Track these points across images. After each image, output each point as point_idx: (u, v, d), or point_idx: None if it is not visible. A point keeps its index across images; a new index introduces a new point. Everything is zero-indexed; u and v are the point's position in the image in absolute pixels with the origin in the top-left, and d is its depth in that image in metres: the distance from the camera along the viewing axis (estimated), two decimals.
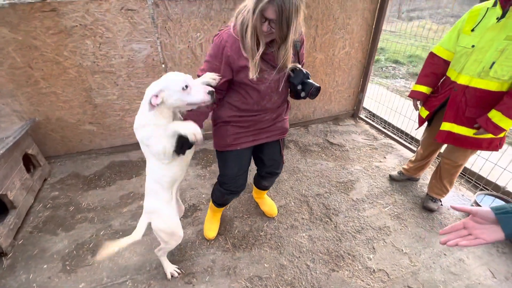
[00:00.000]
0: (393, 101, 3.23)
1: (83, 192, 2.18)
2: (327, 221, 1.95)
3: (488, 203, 1.96)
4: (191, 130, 1.05)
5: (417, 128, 2.04)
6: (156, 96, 1.02)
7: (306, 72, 1.22)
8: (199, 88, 1.06)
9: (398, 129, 3.04)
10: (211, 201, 1.76)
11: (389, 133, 3.03)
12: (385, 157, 2.68)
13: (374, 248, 1.75)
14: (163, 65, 2.34)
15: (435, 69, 1.75)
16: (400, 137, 2.93)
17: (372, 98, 3.51)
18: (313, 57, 2.77)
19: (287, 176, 2.41)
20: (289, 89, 1.33)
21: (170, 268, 1.53)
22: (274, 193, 2.21)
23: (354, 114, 3.44)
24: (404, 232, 1.86)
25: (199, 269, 1.61)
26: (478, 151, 1.96)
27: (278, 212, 2.02)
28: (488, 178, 2.16)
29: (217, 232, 1.81)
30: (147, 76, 2.35)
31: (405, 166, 2.29)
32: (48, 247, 1.71)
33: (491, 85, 1.45)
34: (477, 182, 2.24)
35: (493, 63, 1.40)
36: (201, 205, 2.07)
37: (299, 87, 1.22)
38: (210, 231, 1.79)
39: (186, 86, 1.04)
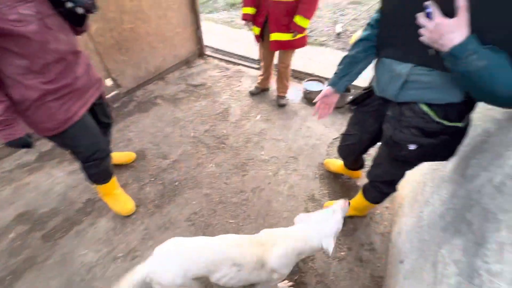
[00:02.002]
0: (225, 32, 3.60)
1: None
2: (223, 146, 2.28)
3: (312, 85, 2.84)
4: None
5: (257, 45, 2.50)
6: None
7: None
8: None
9: (241, 56, 3.53)
10: (96, 186, 1.62)
11: (235, 61, 3.49)
12: (240, 81, 3.16)
13: (262, 147, 2.27)
14: None
15: None
16: (245, 61, 3.45)
17: (208, 33, 3.74)
18: (138, 1, 2.53)
19: (171, 128, 2.45)
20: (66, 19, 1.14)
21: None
22: (168, 147, 2.24)
23: (201, 53, 3.62)
24: (274, 127, 2.48)
25: (137, 242, 1.60)
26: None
27: (182, 159, 2.13)
28: (305, 71, 3.08)
29: (133, 203, 1.75)
30: None
31: (258, 81, 2.84)
32: None
33: None
34: (299, 75, 3.15)
35: None
36: (96, 195, 1.85)
37: (69, 4, 1.05)
38: (125, 204, 1.71)
39: None
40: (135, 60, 2.77)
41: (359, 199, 1.57)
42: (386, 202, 1.82)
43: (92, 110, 1.45)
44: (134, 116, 2.60)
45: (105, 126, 1.64)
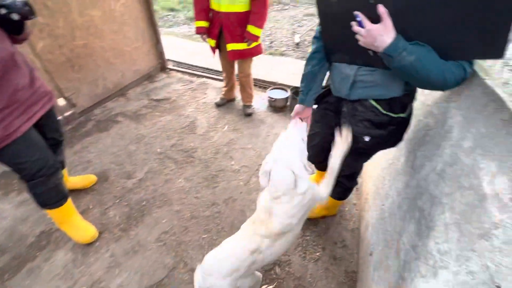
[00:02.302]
0: (187, 46, 3.59)
1: None
2: (191, 160, 2.23)
3: (276, 93, 2.91)
4: None
5: (214, 57, 2.52)
6: None
7: None
8: None
9: (204, 68, 3.53)
10: (48, 210, 1.47)
11: (199, 73, 3.47)
12: (205, 93, 3.14)
13: (231, 157, 2.27)
14: None
15: (202, 6, 2.14)
16: (209, 73, 3.45)
17: (170, 48, 3.69)
18: (89, 16, 2.42)
19: (134, 146, 2.34)
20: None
21: None
22: (133, 166, 2.13)
23: (163, 67, 3.55)
24: (243, 136, 2.50)
25: (102, 272, 1.47)
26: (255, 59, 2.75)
27: (149, 177, 2.04)
28: (268, 80, 3.17)
29: (95, 229, 1.62)
30: None
31: (223, 92, 2.86)
32: None
33: (241, 8, 2.03)
34: (262, 84, 3.23)
35: None
36: (52, 225, 1.68)
37: (2, 10, 1.01)
38: (86, 231, 1.58)
39: None
40: (91, 77, 2.63)
41: None
42: (354, 199, 1.92)
43: (40, 125, 1.34)
44: (93, 136, 2.44)
45: (55, 143, 1.51)
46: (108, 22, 2.62)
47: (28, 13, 1.08)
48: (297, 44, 4.44)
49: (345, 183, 1.44)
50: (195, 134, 2.50)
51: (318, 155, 1.66)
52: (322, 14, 1.01)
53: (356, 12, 0.82)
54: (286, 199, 1.00)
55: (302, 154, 1.06)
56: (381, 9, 0.77)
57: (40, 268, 1.48)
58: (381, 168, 1.61)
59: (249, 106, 2.76)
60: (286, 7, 6.46)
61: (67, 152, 2.15)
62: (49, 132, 1.45)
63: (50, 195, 1.41)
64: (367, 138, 1.13)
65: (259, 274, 1.23)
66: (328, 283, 1.47)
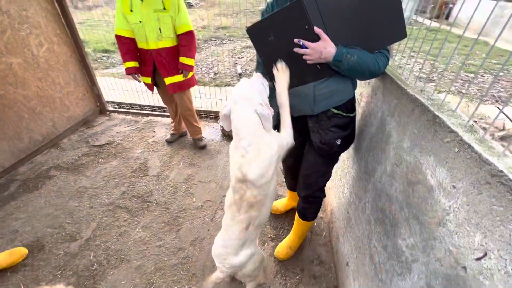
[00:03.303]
0: (127, 85, 3.44)
1: None
2: (147, 205, 2.03)
3: None
4: None
5: (152, 93, 2.46)
6: None
7: None
8: None
9: (149, 106, 3.40)
10: None
11: (145, 112, 3.32)
12: (154, 131, 3.00)
13: (192, 193, 2.14)
14: None
15: (128, 47, 2.10)
16: (155, 111, 3.33)
17: (109, 89, 3.48)
18: (6, 64, 2.15)
19: (76, 202, 2.03)
20: None
21: None
22: (76, 225, 1.83)
23: (102, 110, 3.29)
24: (201, 170, 2.41)
25: None
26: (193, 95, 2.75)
27: (98, 234, 1.77)
28: (217, 110, 3.21)
29: None
30: None
31: (172, 128, 2.76)
32: None
33: (169, 43, 2.06)
34: (213, 115, 3.25)
35: (159, 29, 1.98)
36: None
37: None
38: None
39: None
40: (13, 131, 2.27)
41: (298, 225, 1.62)
42: (320, 213, 1.97)
43: None
44: (19, 199, 2.05)
45: None
46: (31, 69, 2.36)
47: None
48: (240, 74, 4.67)
49: (320, 195, 1.46)
50: (148, 176, 2.32)
51: (292, 173, 1.69)
52: (261, 52, 1.09)
53: (296, 40, 0.93)
54: (253, 151, 0.95)
55: (262, 94, 1.04)
56: (317, 29, 0.90)
57: None
58: (338, 178, 1.72)
59: (200, 139, 2.71)
60: (224, 41, 6.84)
61: None
62: None
63: None
64: (338, 142, 1.22)
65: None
66: None
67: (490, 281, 0.50)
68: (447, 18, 9.81)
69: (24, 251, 1.62)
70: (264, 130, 0.98)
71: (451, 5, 9.88)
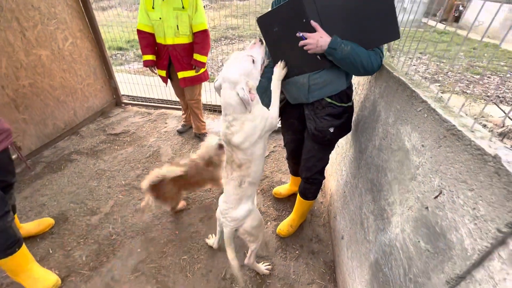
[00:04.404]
0: (140, 80, 3.65)
1: None
2: None
3: None
4: None
5: (166, 86, 2.63)
6: None
7: None
8: None
9: (161, 100, 3.59)
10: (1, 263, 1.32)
11: (157, 105, 3.51)
12: (166, 123, 3.18)
13: None
14: None
15: (147, 41, 2.28)
16: (167, 104, 3.51)
17: (123, 83, 3.69)
18: (36, 56, 2.36)
19: (95, 182, 2.22)
20: None
21: (263, 268, 1.54)
22: (96, 202, 2.01)
23: (117, 102, 3.50)
24: None
25: None
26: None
27: (116, 210, 1.94)
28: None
29: (55, 276, 1.47)
30: None
31: (183, 119, 2.93)
32: None
33: (185, 40, 2.23)
34: (220, 110, 3.41)
35: (177, 26, 2.15)
36: (3, 280, 1.47)
37: None
38: (45, 280, 1.43)
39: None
40: (39, 117, 2.48)
41: (300, 204, 1.75)
42: (320, 198, 2.10)
43: None
44: (45, 178, 2.25)
45: (7, 185, 1.41)
46: (57, 61, 2.57)
47: None
48: None
49: (319, 178, 1.58)
50: (160, 162, 2.49)
51: (294, 157, 1.82)
52: (267, 41, 1.23)
53: (297, 34, 1.06)
54: (237, 124, 1.09)
55: (250, 75, 1.08)
56: (313, 23, 1.03)
57: None
58: (337, 163, 1.85)
59: (204, 134, 2.85)
60: (233, 41, 7.03)
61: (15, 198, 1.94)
62: (2, 172, 1.35)
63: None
64: (331, 129, 1.32)
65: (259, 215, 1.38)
66: (311, 276, 1.55)
67: (442, 212, 0.63)
68: (457, 21, 9.77)
69: (51, 221, 1.81)
70: (247, 108, 1.07)
71: (461, 8, 9.86)
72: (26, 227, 1.69)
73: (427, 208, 0.69)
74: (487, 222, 0.50)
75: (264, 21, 1.15)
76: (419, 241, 0.71)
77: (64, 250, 1.66)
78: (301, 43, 1.06)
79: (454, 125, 0.63)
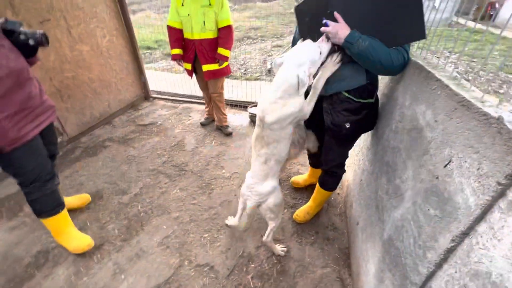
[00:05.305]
0: (167, 77, 3.86)
1: None
2: (184, 172, 2.34)
3: (255, 110, 3.21)
4: None
5: (191, 78, 2.78)
6: None
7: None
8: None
9: (186, 95, 3.78)
10: (44, 219, 1.50)
11: (182, 99, 3.71)
12: (190, 116, 3.35)
13: (222, 166, 2.42)
14: None
15: (176, 36, 2.45)
16: (191, 99, 3.70)
17: (151, 79, 3.93)
18: (78, 51, 2.62)
19: (126, 166, 2.41)
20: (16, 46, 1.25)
21: (278, 249, 1.61)
22: (127, 183, 2.19)
23: (146, 96, 3.74)
24: (230, 148, 2.69)
25: (107, 279, 1.48)
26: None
27: (144, 192, 2.11)
28: (247, 100, 3.49)
29: (89, 238, 1.65)
30: None
31: (206, 112, 3.09)
32: None
33: (210, 35, 2.37)
34: (243, 104, 3.53)
35: (204, 22, 2.29)
36: (48, 244, 1.67)
37: (22, 36, 1.22)
38: (81, 241, 1.61)
39: None
40: (79, 106, 2.74)
41: (318, 193, 1.79)
42: (337, 190, 2.13)
43: (41, 136, 1.44)
44: (83, 161, 2.48)
45: (51, 155, 1.59)
46: (96, 56, 2.83)
47: (43, 41, 1.28)
48: (269, 70, 4.92)
49: (337, 171, 1.61)
50: (184, 151, 2.64)
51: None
52: (301, 30, 1.31)
53: (324, 20, 1.11)
54: (280, 103, 1.16)
55: (313, 63, 1.13)
56: (336, 14, 1.08)
57: (40, 284, 1.45)
58: (355, 154, 1.88)
59: (226, 127, 2.96)
60: (255, 41, 7.17)
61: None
62: (48, 144, 1.53)
63: (46, 201, 1.45)
64: (348, 125, 1.31)
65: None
66: (325, 260, 1.60)
67: (451, 178, 0.67)
68: (492, 19, 9.19)
69: (88, 197, 2.01)
70: (297, 92, 1.15)
71: (497, 6, 9.26)
72: (68, 200, 1.89)
73: (437, 177, 0.74)
74: (489, 178, 0.54)
75: (300, 10, 1.24)
76: (428, 209, 0.75)
77: (99, 223, 1.84)
78: (322, 29, 1.11)
79: (464, 97, 0.67)
